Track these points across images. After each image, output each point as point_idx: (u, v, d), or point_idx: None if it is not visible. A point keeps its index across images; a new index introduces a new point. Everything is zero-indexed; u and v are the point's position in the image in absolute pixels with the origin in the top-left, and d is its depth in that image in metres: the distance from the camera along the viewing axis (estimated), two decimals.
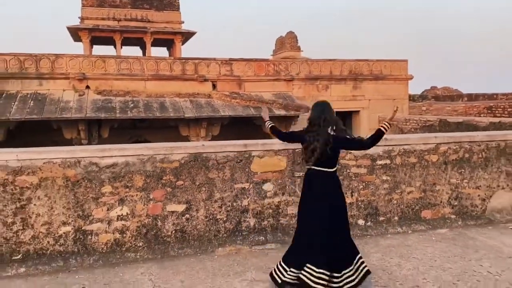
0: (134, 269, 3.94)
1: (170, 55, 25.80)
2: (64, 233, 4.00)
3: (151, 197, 4.22)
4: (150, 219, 4.25)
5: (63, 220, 3.99)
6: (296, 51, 22.87)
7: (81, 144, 13.05)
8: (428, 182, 5.13)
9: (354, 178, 4.88)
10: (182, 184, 4.30)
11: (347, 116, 16.73)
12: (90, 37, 23.39)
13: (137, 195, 4.18)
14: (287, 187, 4.66)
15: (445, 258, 4.18)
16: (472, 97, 27.77)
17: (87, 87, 14.19)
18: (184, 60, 15.19)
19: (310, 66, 16.28)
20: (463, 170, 5.25)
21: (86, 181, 4.03)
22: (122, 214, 4.15)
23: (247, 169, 4.51)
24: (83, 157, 4.02)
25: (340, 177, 4.79)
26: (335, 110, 3.65)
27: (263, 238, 4.57)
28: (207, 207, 4.41)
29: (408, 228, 5.03)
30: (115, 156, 4.12)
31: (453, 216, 5.25)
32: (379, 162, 4.95)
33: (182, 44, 25.40)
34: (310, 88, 16.22)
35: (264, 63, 15.85)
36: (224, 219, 4.48)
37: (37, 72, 13.74)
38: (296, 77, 16.02)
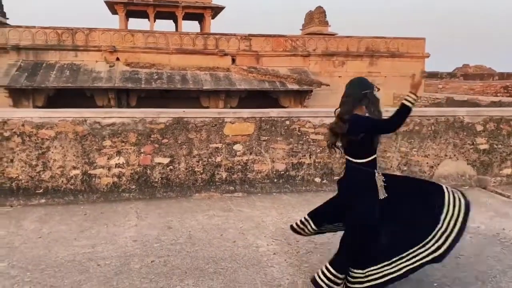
0: (126, 205, 5.13)
1: (201, 29, 26.83)
2: (74, 175, 5.23)
3: (142, 151, 5.37)
4: (141, 168, 5.41)
5: (73, 165, 5.21)
6: (324, 26, 23.26)
7: None
8: (379, 149, 5.99)
9: (312, 143, 5.83)
10: (167, 142, 5.41)
11: None
12: (126, 11, 24.58)
13: (131, 148, 5.33)
14: (254, 148, 5.68)
15: None
16: (504, 76, 27.31)
17: (117, 59, 15.54)
18: (206, 35, 16.22)
19: (327, 42, 16.91)
20: (412, 140, 6.08)
21: (91, 136, 5.21)
22: (119, 163, 5.33)
23: (220, 132, 5.55)
24: (89, 117, 5.19)
25: (300, 142, 5.82)
26: None
27: (233, 188, 5.64)
28: (187, 161, 5.51)
29: None
30: (114, 117, 5.27)
31: None
32: None
33: (212, 18, 26.26)
34: (326, 64, 16.89)
35: (282, 39, 16.61)
36: (201, 171, 5.58)
37: (73, 44, 15.19)
38: (313, 53, 16.71)
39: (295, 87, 15.36)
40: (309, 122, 5.76)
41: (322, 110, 6.15)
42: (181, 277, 3.35)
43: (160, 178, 5.47)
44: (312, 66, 16.66)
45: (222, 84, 14.95)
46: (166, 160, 5.45)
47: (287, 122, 5.74)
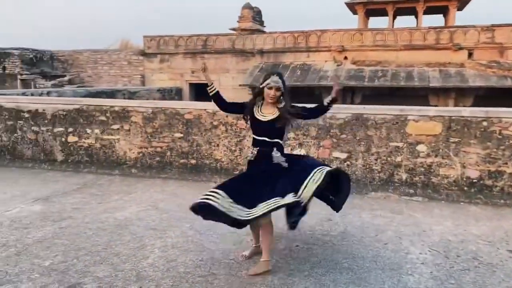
0: None
1: (445, 23, 24.87)
2: None
3: (321, 144, 5.62)
4: (320, 160, 5.65)
5: None
6: None
7: None
8: None
9: None
10: (345, 137, 5.50)
11: None
12: (365, 10, 25.03)
13: (311, 141, 5.66)
14: (441, 150, 5.16)
15: None
16: None
17: (345, 58, 16.08)
18: (439, 30, 15.02)
19: None
20: None
21: None
22: (300, 154, 5.72)
23: (402, 131, 5.27)
24: None
25: (501, 147, 4.99)
26: None
27: (413, 191, 5.28)
28: (364, 158, 5.47)
29: None
30: None
31: None
32: None
33: (459, 10, 23.95)
34: None
35: None
36: (379, 170, 5.43)
37: (306, 46, 16.53)
38: None
39: None
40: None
41: None
42: (314, 265, 3.47)
43: None
44: None
45: (452, 81, 13.58)
46: (343, 155, 5.55)
47: (484, 123, 4.97)
